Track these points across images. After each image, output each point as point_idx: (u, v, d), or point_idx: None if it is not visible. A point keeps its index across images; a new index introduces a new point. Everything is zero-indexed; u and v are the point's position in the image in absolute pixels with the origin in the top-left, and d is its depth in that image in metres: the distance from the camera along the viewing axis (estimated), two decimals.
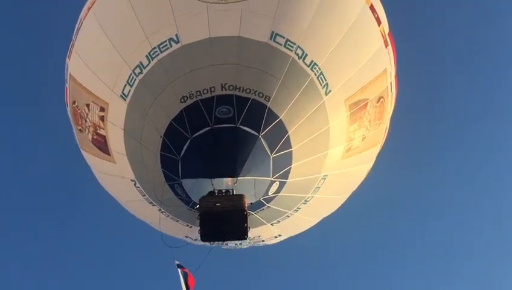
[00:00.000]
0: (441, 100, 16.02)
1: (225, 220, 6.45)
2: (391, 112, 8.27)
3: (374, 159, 8.42)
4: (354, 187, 8.43)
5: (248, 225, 6.48)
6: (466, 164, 16.05)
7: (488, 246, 15.63)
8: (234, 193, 6.53)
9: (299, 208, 7.58)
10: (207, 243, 8.34)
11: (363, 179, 8.45)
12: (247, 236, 6.53)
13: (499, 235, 15.73)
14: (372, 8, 7.52)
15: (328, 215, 8.62)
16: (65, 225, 15.12)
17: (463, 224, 16.02)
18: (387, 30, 7.81)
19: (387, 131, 8.38)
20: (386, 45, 7.72)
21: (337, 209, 8.66)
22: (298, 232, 8.60)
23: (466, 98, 16.55)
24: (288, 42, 6.75)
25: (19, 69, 15.61)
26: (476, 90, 16.47)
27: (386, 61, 7.71)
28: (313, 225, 8.54)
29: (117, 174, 7.55)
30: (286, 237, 8.58)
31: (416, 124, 14.64)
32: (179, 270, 7.74)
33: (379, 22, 7.62)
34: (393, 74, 8.02)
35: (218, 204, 6.43)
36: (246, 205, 6.53)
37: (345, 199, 8.53)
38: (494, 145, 16.22)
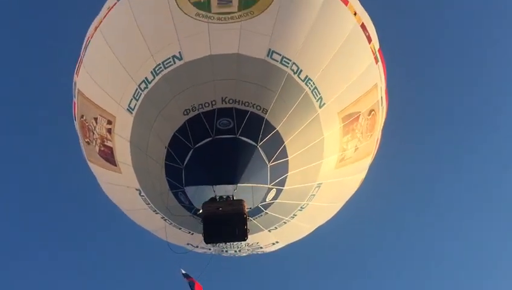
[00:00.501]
0: (433, 112, 16.64)
1: (226, 223, 6.81)
2: (382, 124, 8.64)
3: (367, 169, 8.74)
4: (348, 196, 8.76)
5: (248, 228, 6.83)
6: (456, 171, 16.59)
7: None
8: (234, 199, 6.88)
9: (296, 215, 7.89)
10: (207, 251, 8.76)
11: (356, 188, 8.79)
12: (247, 238, 6.88)
13: (494, 255, 16.14)
14: (363, 26, 7.96)
15: (323, 224, 8.90)
16: (70, 232, 15.49)
17: (457, 233, 16.45)
18: (377, 47, 8.22)
19: (379, 142, 8.72)
20: (377, 61, 8.13)
21: (331, 218, 8.94)
22: (295, 240, 8.90)
23: (458, 109, 17.15)
24: (284, 59, 7.16)
25: (25, 84, 16.13)
26: (467, 102, 17.10)
27: (376, 76, 8.10)
28: (309, 232, 8.85)
29: (123, 184, 7.88)
30: (283, 245, 8.90)
31: (408, 135, 15.18)
32: (187, 280, 8.04)
33: (370, 40, 8.02)
34: (384, 88, 8.41)
35: (220, 208, 6.79)
36: (246, 209, 6.88)
37: (339, 208, 8.84)
38: (486, 157, 16.69)
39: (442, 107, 16.58)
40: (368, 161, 8.56)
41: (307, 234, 8.87)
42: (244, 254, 8.90)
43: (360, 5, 8.19)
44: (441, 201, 16.34)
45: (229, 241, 7.30)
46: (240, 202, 6.83)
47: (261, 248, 8.65)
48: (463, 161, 16.48)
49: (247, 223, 6.84)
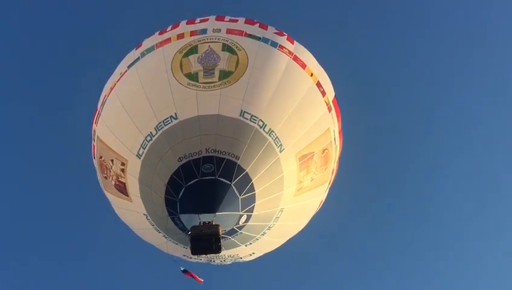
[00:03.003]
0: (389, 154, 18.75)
1: (206, 241, 8.53)
2: (337, 158, 10.30)
3: (325, 193, 10.37)
4: (310, 215, 10.36)
5: (221, 244, 8.65)
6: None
7: None
8: (213, 223, 8.58)
9: (265, 233, 9.47)
10: (199, 261, 10.47)
11: (316, 208, 10.40)
12: (220, 251, 8.69)
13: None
14: (318, 84, 9.70)
15: (293, 236, 10.62)
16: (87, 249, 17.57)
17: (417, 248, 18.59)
18: (331, 98, 9.92)
19: (335, 172, 10.41)
20: (330, 110, 9.71)
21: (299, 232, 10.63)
22: (268, 251, 10.59)
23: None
24: (253, 117, 8.77)
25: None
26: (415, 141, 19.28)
27: (329, 122, 9.63)
28: (279, 245, 10.57)
29: (133, 210, 9.45)
30: (260, 255, 10.61)
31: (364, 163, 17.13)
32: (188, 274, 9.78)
33: (324, 94, 9.72)
34: (337, 130, 10.01)
35: (202, 231, 8.60)
36: (220, 231, 8.66)
37: (304, 224, 10.48)
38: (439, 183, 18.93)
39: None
40: (325, 187, 9.98)
41: (278, 246, 10.55)
42: (228, 263, 10.56)
43: (317, 64, 10.03)
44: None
45: (208, 254, 9.02)
46: (217, 226, 8.54)
47: (241, 258, 10.21)
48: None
49: (221, 241, 8.66)
